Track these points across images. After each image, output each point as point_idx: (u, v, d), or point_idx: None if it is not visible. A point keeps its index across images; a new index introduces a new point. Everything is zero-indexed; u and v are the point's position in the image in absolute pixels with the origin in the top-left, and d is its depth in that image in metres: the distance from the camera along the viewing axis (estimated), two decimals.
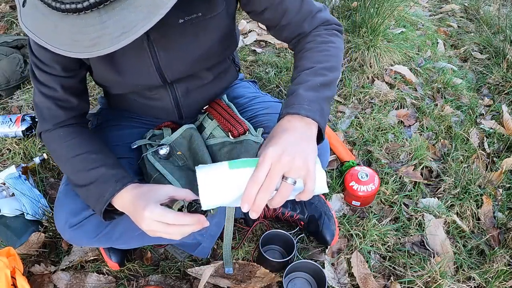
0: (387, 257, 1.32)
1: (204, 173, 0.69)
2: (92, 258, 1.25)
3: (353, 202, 1.43)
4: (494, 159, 1.67)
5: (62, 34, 0.60)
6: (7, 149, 1.57)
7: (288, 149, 0.67)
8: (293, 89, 0.77)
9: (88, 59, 0.88)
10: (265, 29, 1.57)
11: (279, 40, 0.98)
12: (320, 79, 0.77)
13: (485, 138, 1.77)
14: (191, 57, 0.94)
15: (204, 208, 0.69)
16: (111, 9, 0.57)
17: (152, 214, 0.74)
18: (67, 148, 0.91)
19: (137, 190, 0.82)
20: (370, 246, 1.33)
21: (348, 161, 1.54)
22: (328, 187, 1.49)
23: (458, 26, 2.65)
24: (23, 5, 0.63)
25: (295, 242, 1.24)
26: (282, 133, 0.70)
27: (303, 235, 1.34)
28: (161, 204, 0.77)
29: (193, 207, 0.78)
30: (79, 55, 0.61)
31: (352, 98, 1.92)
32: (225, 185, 0.69)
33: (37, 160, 1.47)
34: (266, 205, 0.68)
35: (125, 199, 0.82)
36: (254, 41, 2.31)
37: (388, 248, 1.34)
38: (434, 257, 1.30)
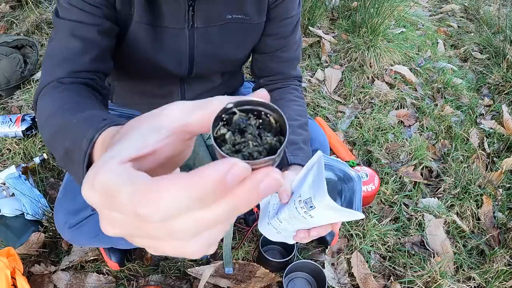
0: (387, 257, 1.31)
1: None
2: (92, 258, 1.25)
3: None
4: (494, 159, 1.67)
5: None
6: (7, 149, 1.57)
7: None
8: (293, 139, 0.88)
9: (132, 21, 0.79)
10: None
11: (256, 65, 1.01)
12: (306, 134, 0.93)
13: (485, 138, 1.77)
14: (223, 56, 0.94)
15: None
16: None
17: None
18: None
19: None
20: (370, 246, 1.33)
21: (348, 161, 1.55)
22: None
23: (458, 26, 2.65)
24: None
25: (295, 242, 1.23)
26: None
27: None
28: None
29: None
30: None
31: (352, 98, 1.92)
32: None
33: (37, 160, 1.47)
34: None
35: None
36: None
37: (388, 248, 1.34)
38: (434, 257, 1.30)
